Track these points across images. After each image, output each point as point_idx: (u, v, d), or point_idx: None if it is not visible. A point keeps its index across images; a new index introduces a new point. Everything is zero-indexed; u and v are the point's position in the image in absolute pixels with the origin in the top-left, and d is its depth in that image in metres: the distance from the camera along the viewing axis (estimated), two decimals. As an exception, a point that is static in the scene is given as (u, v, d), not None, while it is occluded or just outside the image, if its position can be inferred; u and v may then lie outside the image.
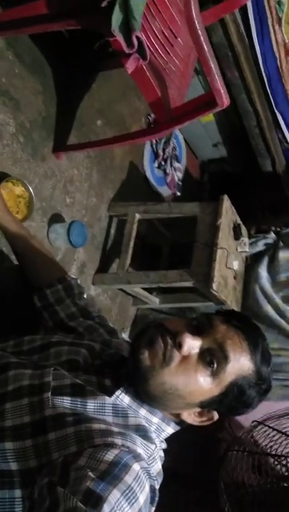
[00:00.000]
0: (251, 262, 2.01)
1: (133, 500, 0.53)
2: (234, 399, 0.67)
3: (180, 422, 0.73)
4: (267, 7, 1.87)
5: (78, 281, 1.07)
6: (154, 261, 2.21)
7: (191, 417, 0.70)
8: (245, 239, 1.86)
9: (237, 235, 1.81)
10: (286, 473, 1.02)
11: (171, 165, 2.44)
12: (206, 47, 1.04)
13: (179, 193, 2.55)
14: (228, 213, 1.73)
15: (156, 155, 2.33)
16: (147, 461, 0.62)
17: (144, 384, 0.65)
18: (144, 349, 0.66)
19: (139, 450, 0.62)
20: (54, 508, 0.49)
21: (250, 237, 2.02)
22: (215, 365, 0.65)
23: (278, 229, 2.11)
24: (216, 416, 0.69)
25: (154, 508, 0.60)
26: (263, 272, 1.93)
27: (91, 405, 0.64)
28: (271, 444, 1.14)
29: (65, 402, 0.63)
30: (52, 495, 0.52)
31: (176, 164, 2.52)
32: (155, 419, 0.69)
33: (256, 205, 2.64)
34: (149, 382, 0.65)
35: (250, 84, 2.02)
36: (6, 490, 0.57)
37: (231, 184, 2.65)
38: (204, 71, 1.12)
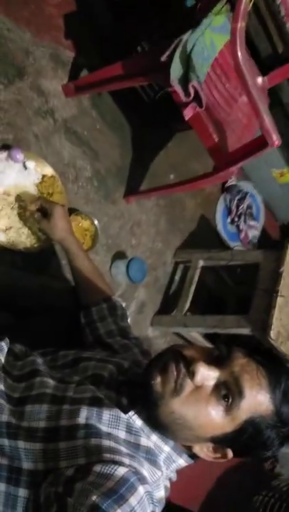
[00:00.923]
0: None
1: None
2: (250, 438, 0.64)
3: (193, 455, 0.70)
4: None
5: (123, 305, 1.13)
6: (219, 312, 2.16)
7: (203, 451, 0.68)
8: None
9: (304, 287, 1.72)
10: None
11: (245, 222, 2.46)
12: (253, 90, 1.12)
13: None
14: (293, 262, 1.67)
15: (229, 210, 2.39)
16: (151, 485, 0.63)
17: (154, 410, 0.65)
18: (156, 374, 0.65)
19: (145, 473, 0.62)
20: None
21: None
22: (230, 400, 0.62)
23: None
24: (230, 454, 0.66)
25: None
26: None
27: (106, 416, 0.66)
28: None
29: (82, 411, 0.65)
30: (59, 502, 0.55)
31: (252, 222, 2.54)
32: (166, 448, 0.68)
33: None
34: (158, 409, 0.64)
35: None
36: (11, 485, 0.60)
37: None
38: (255, 113, 1.19)
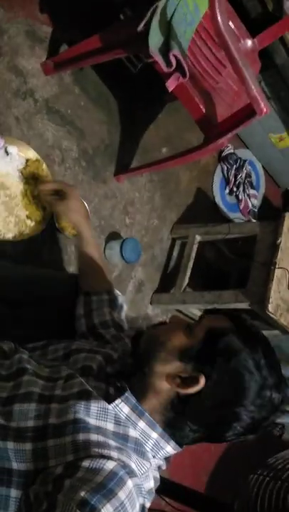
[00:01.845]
0: None
1: None
2: (211, 345, 0.67)
3: (180, 442, 0.71)
4: None
5: (124, 299, 1.12)
6: (220, 286, 2.14)
7: (175, 381, 0.68)
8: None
9: (304, 257, 1.68)
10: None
11: (245, 191, 2.40)
12: (237, 56, 1.05)
13: (254, 220, 2.47)
14: (290, 233, 1.63)
15: (227, 181, 2.32)
16: (140, 477, 0.63)
17: (137, 343, 0.74)
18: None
19: (134, 466, 0.63)
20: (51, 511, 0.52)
21: None
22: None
23: None
24: (202, 379, 0.66)
25: None
26: None
27: (94, 409, 0.66)
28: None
29: (70, 408, 0.65)
30: (49, 499, 0.55)
31: (251, 191, 2.47)
32: (154, 435, 0.69)
33: None
34: (142, 336, 0.75)
35: None
36: (3, 487, 0.60)
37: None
38: (240, 80, 1.12)
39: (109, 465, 0.57)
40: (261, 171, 2.61)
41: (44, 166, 1.40)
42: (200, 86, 1.37)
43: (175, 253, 1.96)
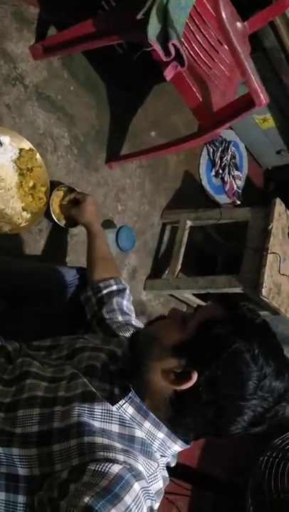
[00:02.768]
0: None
1: None
2: (203, 340, 0.66)
3: (186, 439, 0.71)
4: None
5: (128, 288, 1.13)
6: (210, 270, 2.19)
7: (169, 377, 0.67)
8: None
9: (292, 240, 1.73)
10: None
11: (230, 173, 2.42)
12: (238, 47, 1.05)
13: (238, 202, 2.51)
14: (281, 217, 1.67)
15: (213, 163, 2.33)
16: (148, 479, 0.62)
17: (134, 343, 0.75)
18: None
19: (140, 468, 0.61)
20: None
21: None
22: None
23: None
24: (194, 374, 0.64)
25: None
26: None
27: (98, 411, 0.65)
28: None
29: (74, 410, 0.64)
30: (52, 505, 0.54)
31: (236, 172, 2.50)
32: (160, 435, 0.68)
33: None
34: (139, 334, 0.76)
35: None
36: (10, 493, 0.59)
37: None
38: (240, 72, 1.12)
39: (115, 468, 0.56)
40: (244, 152, 2.63)
41: (38, 155, 1.37)
42: (195, 73, 1.36)
43: (166, 238, 1.98)
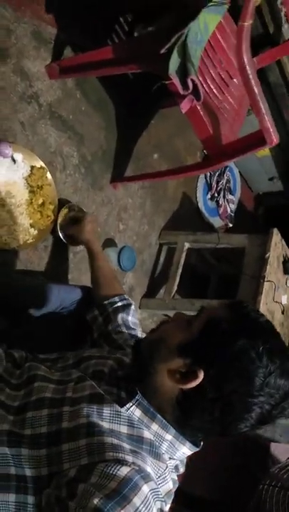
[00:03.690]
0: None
1: None
2: (208, 339, 0.66)
3: (195, 440, 0.71)
4: None
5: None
6: (202, 291, 2.23)
7: (175, 377, 0.67)
8: (295, 273, 1.84)
9: (286, 269, 1.80)
10: None
11: (224, 197, 2.48)
12: (256, 89, 1.10)
13: (230, 225, 2.58)
14: (277, 247, 1.73)
15: (209, 187, 2.39)
16: (156, 481, 0.63)
17: (139, 351, 0.74)
18: None
19: (149, 469, 0.62)
20: None
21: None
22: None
23: None
24: (200, 373, 0.64)
25: None
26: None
27: (107, 412, 0.65)
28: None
29: (82, 410, 0.65)
30: (60, 506, 0.54)
31: (230, 196, 2.56)
32: (168, 436, 0.68)
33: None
34: (143, 342, 0.76)
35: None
36: (21, 494, 0.59)
37: (287, 217, 2.64)
38: (254, 111, 1.17)
39: (124, 470, 0.56)
40: (238, 177, 2.70)
41: (48, 173, 1.38)
42: (207, 106, 1.41)
43: (162, 258, 2.01)
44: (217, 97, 1.46)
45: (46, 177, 1.38)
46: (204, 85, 1.41)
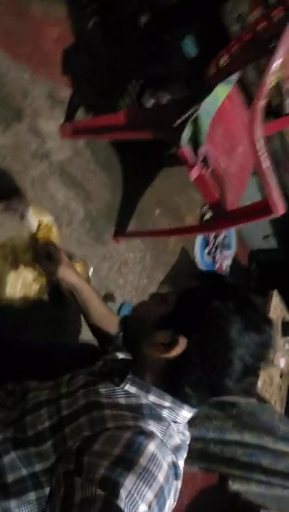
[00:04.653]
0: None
1: (151, 481, 0.53)
2: (184, 308, 0.68)
3: (191, 403, 0.70)
4: None
5: None
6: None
7: (159, 349, 0.68)
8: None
9: (285, 331, 1.79)
10: None
11: (221, 253, 2.52)
12: (265, 166, 1.14)
13: (226, 280, 2.59)
14: (276, 310, 1.74)
15: (207, 242, 2.43)
16: (162, 438, 0.63)
17: (125, 328, 0.78)
18: None
19: (152, 428, 0.62)
20: (70, 496, 0.51)
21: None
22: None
23: None
24: (181, 340, 0.65)
25: (180, 482, 0.61)
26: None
27: (103, 390, 0.68)
28: None
29: (79, 395, 0.68)
30: (67, 482, 0.54)
31: (226, 252, 2.60)
32: (166, 403, 0.69)
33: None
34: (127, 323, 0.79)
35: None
36: (39, 490, 0.62)
37: (280, 274, 2.67)
38: (263, 185, 1.21)
39: (127, 435, 0.57)
40: (234, 234, 2.75)
41: (54, 229, 1.39)
42: (215, 172, 1.45)
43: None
44: (224, 163, 1.51)
45: (53, 232, 1.38)
46: (212, 151, 1.46)
